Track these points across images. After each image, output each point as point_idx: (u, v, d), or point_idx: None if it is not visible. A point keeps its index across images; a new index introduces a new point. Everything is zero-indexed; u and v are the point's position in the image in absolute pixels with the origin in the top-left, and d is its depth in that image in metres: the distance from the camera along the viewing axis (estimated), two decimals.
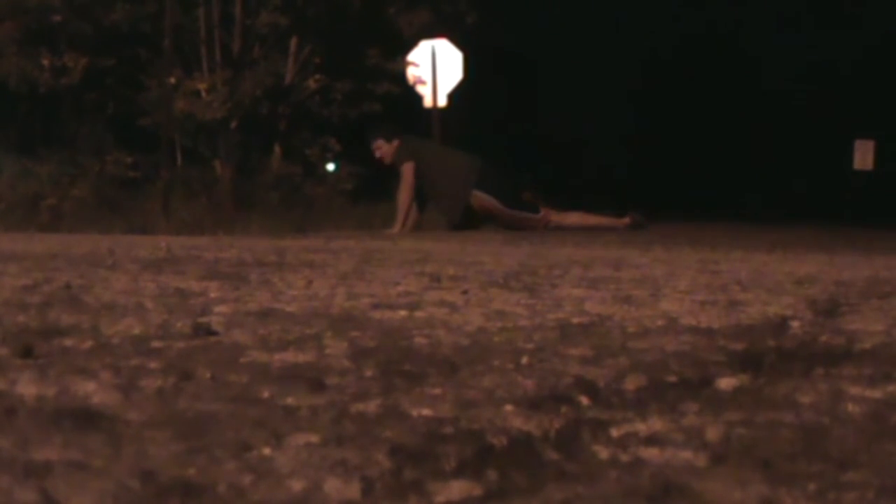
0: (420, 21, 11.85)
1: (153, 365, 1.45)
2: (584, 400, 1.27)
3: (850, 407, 1.25)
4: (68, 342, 1.65)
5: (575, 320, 2.08)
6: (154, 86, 10.72)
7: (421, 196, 9.24)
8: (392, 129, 9.30)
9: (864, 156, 18.70)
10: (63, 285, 2.61)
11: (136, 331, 1.80)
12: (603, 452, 1.02)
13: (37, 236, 6.16)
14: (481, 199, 9.20)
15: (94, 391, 1.25)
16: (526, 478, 0.93)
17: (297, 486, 0.88)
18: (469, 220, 9.15)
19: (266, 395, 1.25)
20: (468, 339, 1.76)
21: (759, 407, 1.24)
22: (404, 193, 8.97)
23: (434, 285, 2.87)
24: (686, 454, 1.01)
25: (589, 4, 29.98)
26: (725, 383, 1.39)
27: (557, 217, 9.45)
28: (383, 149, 9.21)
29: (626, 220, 9.48)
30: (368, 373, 1.42)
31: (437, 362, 1.51)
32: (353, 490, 0.88)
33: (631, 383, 1.37)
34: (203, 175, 10.23)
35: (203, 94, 10.91)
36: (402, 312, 2.16)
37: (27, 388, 1.26)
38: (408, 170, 9.02)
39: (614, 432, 1.11)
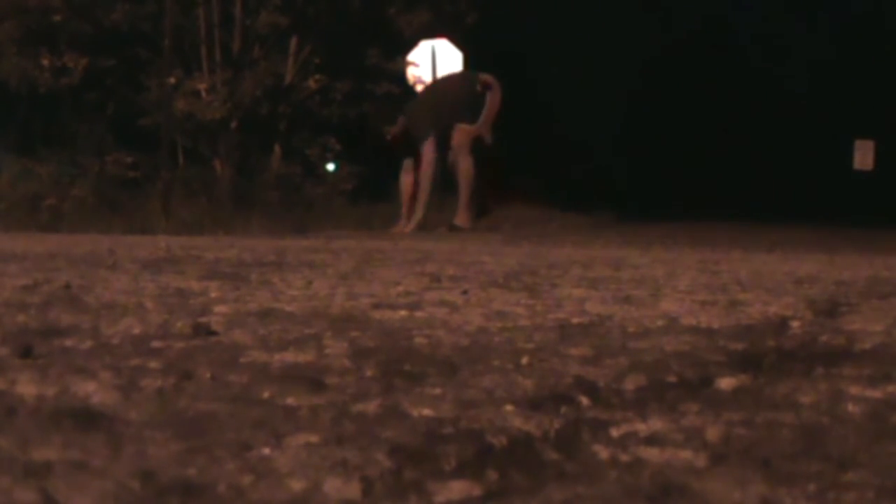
0: (420, 21, 11.85)
1: (153, 365, 1.45)
2: (584, 400, 1.27)
3: (850, 407, 1.25)
4: (68, 342, 1.65)
5: (575, 320, 2.08)
6: (154, 86, 10.72)
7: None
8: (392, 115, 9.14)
9: (864, 156, 18.70)
10: (63, 285, 2.61)
11: (136, 331, 1.80)
12: (603, 452, 1.02)
13: (37, 236, 6.16)
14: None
15: (94, 391, 1.25)
16: (526, 478, 0.93)
17: (297, 486, 0.88)
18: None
19: (266, 395, 1.25)
20: (468, 339, 1.76)
21: (759, 407, 1.24)
22: (426, 177, 8.65)
23: (434, 285, 2.87)
24: (686, 454, 1.01)
25: (589, 3, 29.99)
26: (725, 383, 1.39)
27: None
28: (396, 133, 9.07)
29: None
30: (368, 373, 1.41)
31: (437, 362, 1.51)
32: (353, 490, 0.88)
33: (631, 383, 1.37)
34: (203, 175, 10.22)
35: (203, 94, 10.91)
36: (402, 312, 2.16)
37: (27, 388, 1.26)
38: (428, 147, 8.74)
39: (614, 432, 1.10)
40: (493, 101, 9.05)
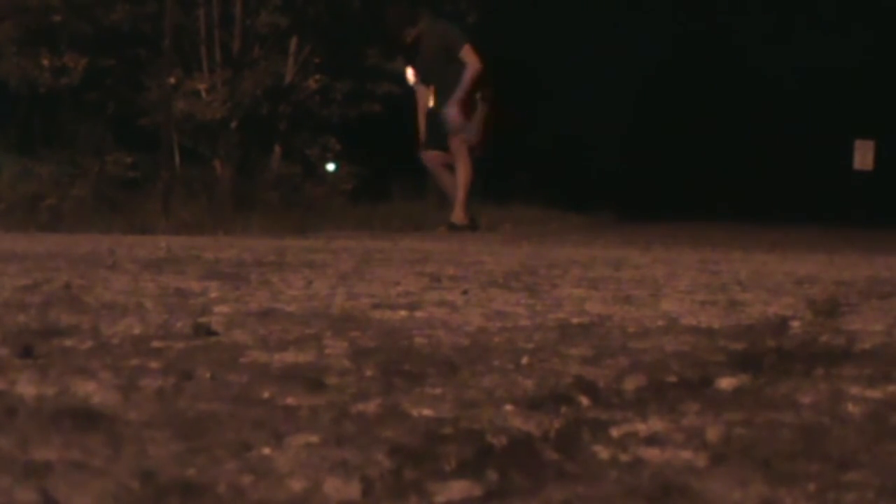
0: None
1: (153, 365, 1.45)
2: (584, 400, 1.27)
3: (850, 407, 1.25)
4: (68, 342, 1.65)
5: (575, 320, 2.08)
6: (154, 86, 10.72)
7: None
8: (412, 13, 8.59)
9: (864, 156, 18.71)
10: (63, 285, 2.61)
11: (136, 331, 1.80)
12: (603, 452, 1.02)
13: (37, 236, 6.15)
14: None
15: (94, 391, 1.25)
16: (526, 478, 0.93)
17: (297, 486, 0.88)
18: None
19: (266, 395, 1.25)
20: (468, 339, 1.76)
21: (759, 407, 1.24)
22: (467, 84, 8.19)
23: (434, 285, 2.87)
24: (686, 454, 1.01)
25: (589, 5, 29.99)
26: (725, 383, 1.39)
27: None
28: (413, 30, 8.64)
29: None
30: (368, 373, 1.41)
31: (437, 362, 1.51)
32: (353, 490, 0.88)
33: (631, 383, 1.37)
34: (203, 175, 10.22)
35: (203, 94, 10.92)
36: (402, 312, 2.16)
37: (27, 388, 1.26)
38: (470, 55, 8.27)
39: (614, 432, 1.10)
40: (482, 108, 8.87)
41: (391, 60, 11.84)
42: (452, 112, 8.45)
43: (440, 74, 8.64)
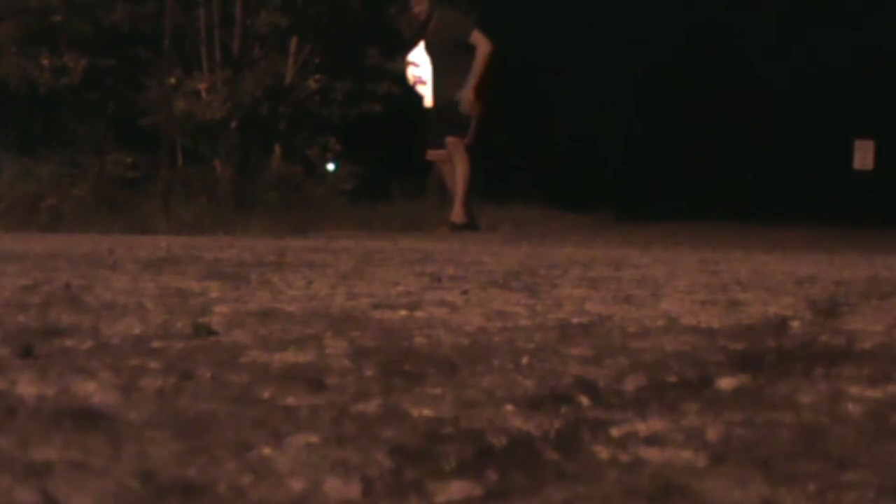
0: None
1: (153, 365, 1.45)
2: (584, 400, 1.27)
3: (850, 407, 1.25)
4: (68, 342, 1.65)
5: (575, 320, 2.08)
6: (154, 86, 10.72)
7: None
8: None
9: (864, 156, 18.72)
10: (63, 285, 2.61)
11: (136, 331, 1.80)
12: (603, 452, 1.02)
13: (37, 236, 6.15)
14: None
15: (94, 391, 1.25)
16: (526, 478, 0.93)
17: (297, 486, 0.88)
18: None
19: (266, 395, 1.25)
20: (468, 339, 1.76)
21: (759, 407, 1.24)
22: (480, 65, 8.18)
23: (434, 285, 2.87)
24: (686, 454, 1.01)
25: (590, 3, 30.01)
26: (725, 383, 1.39)
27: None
28: (423, 5, 8.64)
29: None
30: (368, 373, 1.42)
31: (437, 362, 1.51)
32: (353, 490, 0.88)
33: (631, 383, 1.37)
34: (203, 175, 10.22)
35: (203, 94, 10.92)
36: (402, 312, 2.16)
37: (27, 388, 1.26)
38: (481, 38, 8.23)
39: (614, 432, 1.10)
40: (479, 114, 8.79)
41: (391, 60, 11.85)
42: (468, 97, 8.46)
43: (444, 59, 8.66)
